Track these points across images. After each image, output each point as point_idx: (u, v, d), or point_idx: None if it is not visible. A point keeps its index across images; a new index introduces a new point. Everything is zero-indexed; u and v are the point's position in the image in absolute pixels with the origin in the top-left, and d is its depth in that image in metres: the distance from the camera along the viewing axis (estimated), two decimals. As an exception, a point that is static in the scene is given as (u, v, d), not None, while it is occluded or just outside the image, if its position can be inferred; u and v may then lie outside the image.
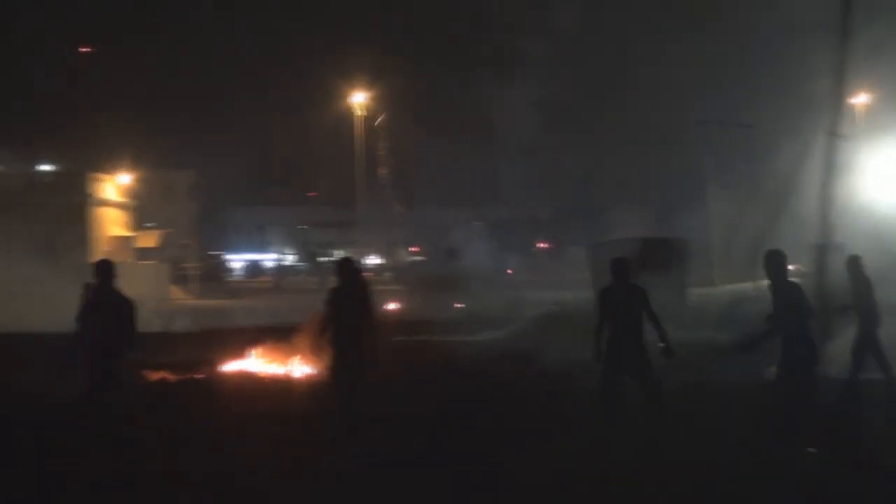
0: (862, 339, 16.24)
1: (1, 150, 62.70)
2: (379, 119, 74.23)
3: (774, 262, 12.23)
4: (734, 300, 29.33)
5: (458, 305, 39.05)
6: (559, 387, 17.51)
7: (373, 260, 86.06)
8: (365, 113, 74.27)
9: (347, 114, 74.47)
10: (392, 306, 39.63)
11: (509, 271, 56.19)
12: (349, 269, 13.36)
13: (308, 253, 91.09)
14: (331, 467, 11.90)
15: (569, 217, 79.36)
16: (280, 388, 18.69)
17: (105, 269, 11.88)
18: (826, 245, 20.09)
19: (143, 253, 69.67)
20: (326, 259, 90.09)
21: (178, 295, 66.20)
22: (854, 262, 16.61)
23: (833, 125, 20.91)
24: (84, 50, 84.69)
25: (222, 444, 13.41)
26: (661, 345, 12.80)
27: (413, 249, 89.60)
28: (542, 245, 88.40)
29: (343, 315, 12.93)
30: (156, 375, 19.97)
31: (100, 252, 65.79)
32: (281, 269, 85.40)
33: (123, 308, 11.67)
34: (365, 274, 27.59)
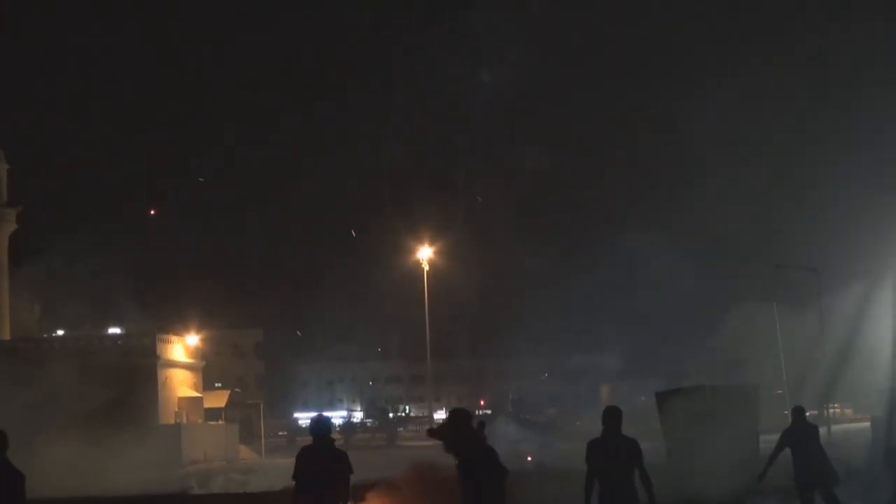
0: None
1: (71, 313, 63.54)
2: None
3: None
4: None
5: (530, 458, 38.71)
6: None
7: (441, 415, 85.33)
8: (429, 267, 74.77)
9: (417, 268, 75.03)
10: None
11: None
12: (317, 428, 12.87)
13: (376, 409, 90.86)
14: None
15: (639, 364, 78.64)
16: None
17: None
18: None
19: (212, 413, 69.87)
20: (395, 414, 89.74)
21: (246, 454, 66.05)
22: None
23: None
24: (152, 212, 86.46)
25: None
26: None
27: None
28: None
29: (311, 472, 12.43)
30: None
31: (169, 413, 66.07)
32: (349, 426, 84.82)
33: (14, 481, 11.76)
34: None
